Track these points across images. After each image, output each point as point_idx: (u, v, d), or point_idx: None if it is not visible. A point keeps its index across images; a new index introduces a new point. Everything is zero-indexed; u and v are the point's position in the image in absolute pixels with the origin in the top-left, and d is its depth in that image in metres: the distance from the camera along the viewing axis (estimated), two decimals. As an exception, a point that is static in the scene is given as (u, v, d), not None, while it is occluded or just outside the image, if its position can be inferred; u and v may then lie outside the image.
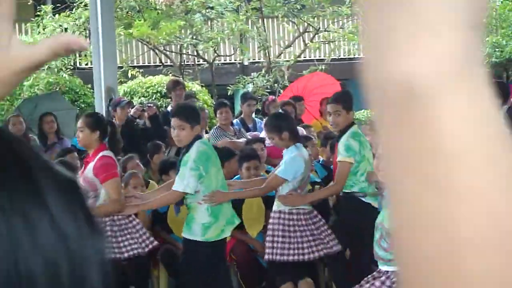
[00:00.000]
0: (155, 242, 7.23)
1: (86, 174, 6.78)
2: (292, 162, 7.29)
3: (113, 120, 9.97)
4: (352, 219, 7.32)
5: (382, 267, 5.27)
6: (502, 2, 19.17)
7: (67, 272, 0.60)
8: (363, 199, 7.26)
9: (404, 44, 0.52)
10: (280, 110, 9.97)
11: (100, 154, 6.81)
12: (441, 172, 0.52)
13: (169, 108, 11.00)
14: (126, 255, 7.01)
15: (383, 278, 5.19)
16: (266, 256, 7.29)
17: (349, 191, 7.29)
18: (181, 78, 14.19)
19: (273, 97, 11.85)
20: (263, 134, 9.31)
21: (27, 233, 0.58)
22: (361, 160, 7.28)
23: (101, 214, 6.88)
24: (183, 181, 6.71)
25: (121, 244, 6.97)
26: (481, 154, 0.52)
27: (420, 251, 0.52)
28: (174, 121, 6.93)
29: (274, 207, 7.42)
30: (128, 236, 7.05)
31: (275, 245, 7.32)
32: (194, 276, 6.95)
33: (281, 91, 16.04)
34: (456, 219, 0.51)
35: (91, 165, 6.78)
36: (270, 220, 7.40)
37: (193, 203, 6.89)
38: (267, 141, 8.51)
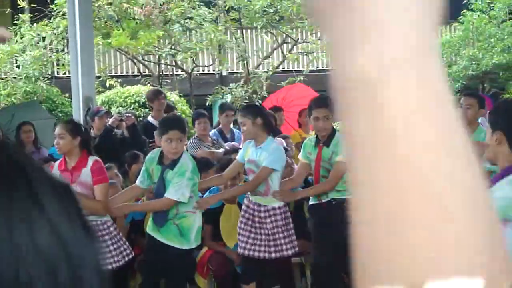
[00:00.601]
0: (132, 254, 7.16)
1: (81, 179, 6.74)
2: (276, 151, 7.34)
3: (91, 130, 9.97)
4: (340, 227, 7.16)
5: None
6: (479, 15, 19.27)
7: (66, 275, 0.61)
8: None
9: (358, 40, 0.56)
10: None
11: (93, 158, 6.81)
12: (388, 148, 0.56)
13: (149, 118, 10.97)
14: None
15: None
16: (253, 253, 7.32)
17: (337, 197, 7.26)
18: (160, 88, 14.14)
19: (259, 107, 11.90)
20: (241, 145, 9.33)
21: (27, 237, 0.59)
22: None
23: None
24: (179, 190, 6.74)
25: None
26: (425, 132, 0.56)
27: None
28: (174, 134, 6.88)
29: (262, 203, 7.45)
30: (106, 247, 6.96)
31: (271, 243, 7.39)
32: (177, 284, 6.99)
33: (260, 102, 16.04)
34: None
35: (87, 170, 6.75)
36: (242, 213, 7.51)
37: (187, 213, 6.90)
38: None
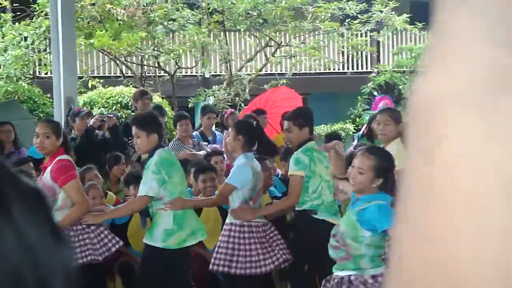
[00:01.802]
0: (119, 244, 7.16)
1: (44, 179, 6.70)
2: (239, 169, 7.30)
3: (72, 131, 9.94)
4: (307, 236, 7.33)
5: (335, 272, 5.23)
6: None
7: (32, 283, 0.61)
8: (315, 216, 7.27)
9: (435, 64, 0.53)
10: None
11: (57, 158, 6.74)
12: (441, 187, 0.51)
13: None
14: (80, 261, 6.87)
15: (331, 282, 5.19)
16: (211, 266, 7.31)
17: (301, 208, 7.35)
18: (145, 89, 14.14)
19: (232, 110, 11.98)
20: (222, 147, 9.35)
21: None
22: (311, 175, 7.31)
23: (68, 224, 6.78)
24: (146, 185, 6.82)
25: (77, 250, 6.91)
26: (485, 176, 0.50)
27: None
28: (134, 130, 7.06)
29: (227, 219, 7.41)
30: (87, 241, 6.97)
31: (222, 256, 7.32)
32: (149, 282, 6.97)
33: (242, 104, 16.34)
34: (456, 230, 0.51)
35: (48, 169, 6.72)
36: (222, 232, 7.42)
37: (158, 211, 6.94)
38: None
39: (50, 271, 0.63)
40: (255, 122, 8.93)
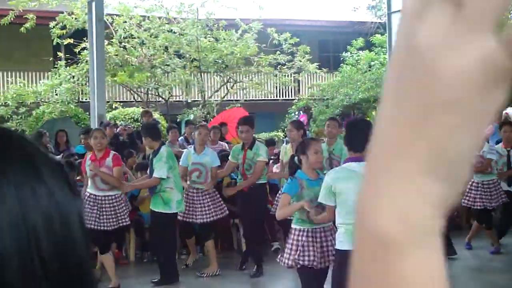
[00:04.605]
0: (128, 222, 7.02)
1: (107, 164, 6.72)
2: (213, 153, 7.34)
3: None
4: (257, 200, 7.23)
5: (293, 225, 4.70)
6: (350, 68, 19.28)
7: (58, 222, 0.58)
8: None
9: (375, 200, 0.41)
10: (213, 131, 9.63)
11: (113, 153, 6.90)
12: None
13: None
14: (118, 225, 6.79)
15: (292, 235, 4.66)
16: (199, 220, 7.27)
17: (261, 182, 7.24)
18: (149, 109, 14.15)
19: (204, 123, 11.47)
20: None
21: (33, 199, 0.56)
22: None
23: (118, 185, 6.73)
24: (159, 171, 6.63)
25: (119, 215, 6.79)
26: None
27: None
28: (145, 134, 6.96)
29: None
30: (119, 210, 6.83)
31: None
32: (162, 238, 6.82)
33: (211, 119, 15.49)
34: None
35: (108, 159, 6.72)
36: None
37: (167, 188, 6.70)
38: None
39: (70, 214, 0.60)
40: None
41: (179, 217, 7.26)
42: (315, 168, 4.63)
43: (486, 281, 6.95)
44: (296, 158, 4.67)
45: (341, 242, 4.19)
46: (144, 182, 7.01)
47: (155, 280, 6.91)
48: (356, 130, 4.22)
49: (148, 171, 7.08)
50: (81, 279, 0.60)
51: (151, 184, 6.83)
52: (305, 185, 4.54)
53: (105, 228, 6.73)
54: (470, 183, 7.94)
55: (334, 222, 4.40)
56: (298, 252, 4.48)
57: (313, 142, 4.67)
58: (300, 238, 4.53)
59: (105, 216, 6.73)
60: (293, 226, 4.66)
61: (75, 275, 0.59)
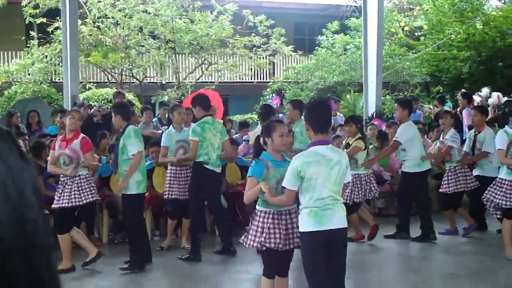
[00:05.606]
0: (97, 197, 6.78)
1: (73, 146, 6.57)
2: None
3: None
4: (200, 180, 7.02)
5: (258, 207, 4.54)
6: (325, 51, 19.37)
7: (12, 188, 0.59)
8: (206, 166, 6.97)
9: None
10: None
11: (82, 135, 6.67)
12: None
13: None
14: (84, 202, 6.56)
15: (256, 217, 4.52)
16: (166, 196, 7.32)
17: (197, 161, 7.02)
18: (122, 90, 13.96)
19: (179, 104, 10.67)
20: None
21: None
22: (203, 139, 6.97)
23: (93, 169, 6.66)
24: (134, 146, 6.46)
25: (82, 193, 6.55)
26: None
27: None
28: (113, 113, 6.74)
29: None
30: (86, 188, 6.61)
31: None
32: (130, 219, 6.73)
33: (183, 100, 14.92)
34: None
35: (77, 141, 6.57)
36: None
37: (125, 172, 6.53)
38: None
39: (23, 180, 0.61)
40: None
41: (168, 196, 7.30)
42: (280, 151, 4.54)
43: (457, 263, 6.98)
44: (261, 139, 4.56)
45: (305, 223, 4.12)
46: (131, 165, 6.57)
47: (127, 261, 6.80)
48: (317, 112, 4.20)
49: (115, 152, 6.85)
50: (36, 244, 0.59)
51: (137, 163, 6.54)
52: (271, 166, 4.45)
53: (67, 204, 6.51)
54: (447, 170, 8.12)
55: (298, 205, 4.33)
56: (264, 234, 4.39)
57: (278, 125, 4.55)
58: (265, 220, 4.41)
59: (67, 194, 6.52)
60: (258, 208, 4.53)
61: (31, 240, 0.59)
